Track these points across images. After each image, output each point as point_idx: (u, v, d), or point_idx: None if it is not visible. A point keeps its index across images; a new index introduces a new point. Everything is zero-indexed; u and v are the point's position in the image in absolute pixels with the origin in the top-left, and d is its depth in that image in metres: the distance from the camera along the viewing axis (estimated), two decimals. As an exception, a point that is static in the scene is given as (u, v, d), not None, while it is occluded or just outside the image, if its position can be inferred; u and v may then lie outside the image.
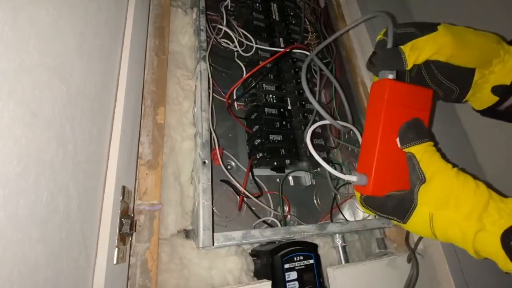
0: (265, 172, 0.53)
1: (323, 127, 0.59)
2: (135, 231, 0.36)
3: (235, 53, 0.57)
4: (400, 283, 0.48)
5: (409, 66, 0.37)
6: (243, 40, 0.56)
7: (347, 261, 0.49)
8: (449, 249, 0.52)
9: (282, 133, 0.51)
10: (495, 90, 0.41)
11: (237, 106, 0.55)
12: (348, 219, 0.57)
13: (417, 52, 0.37)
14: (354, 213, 0.59)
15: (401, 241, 0.54)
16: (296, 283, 0.41)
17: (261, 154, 0.48)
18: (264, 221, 0.48)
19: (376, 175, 0.36)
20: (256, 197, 0.47)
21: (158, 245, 0.38)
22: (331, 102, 0.64)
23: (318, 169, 0.57)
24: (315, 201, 0.56)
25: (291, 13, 0.67)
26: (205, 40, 0.50)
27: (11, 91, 0.19)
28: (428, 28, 0.38)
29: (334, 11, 0.76)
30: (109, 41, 0.36)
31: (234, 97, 0.54)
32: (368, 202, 0.37)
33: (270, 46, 0.57)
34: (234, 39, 0.56)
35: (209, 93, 0.47)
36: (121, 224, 0.32)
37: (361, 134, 0.53)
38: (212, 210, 0.40)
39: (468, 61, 0.39)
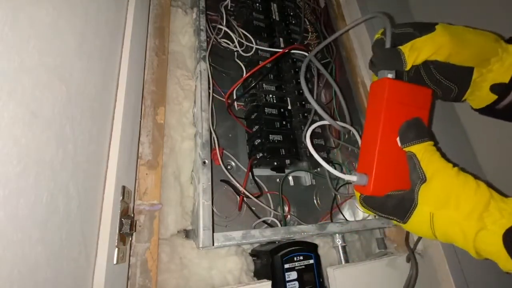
0: (265, 172, 0.53)
1: (322, 127, 0.59)
2: (135, 231, 0.36)
3: (235, 53, 0.57)
4: (400, 283, 0.48)
5: (408, 67, 0.38)
6: (243, 40, 0.56)
7: (347, 261, 0.49)
8: (449, 249, 0.52)
9: (282, 133, 0.51)
10: (494, 88, 0.41)
11: (237, 106, 0.55)
12: (348, 219, 0.57)
13: (416, 52, 0.37)
14: (354, 213, 0.59)
15: (401, 241, 0.54)
16: (296, 283, 0.41)
17: (261, 154, 0.48)
18: (264, 221, 0.48)
19: (377, 174, 0.36)
20: (256, 197, 0.47)
21: (158, 245, 0.38)
22: (331, 102, 0.64)
23: (318, 169, 0.57)
24: (315, 201, 0.56)
25: (291, 13, 0.67)
26: (205, 40, 0.50)
27: (11, 91, 0.19)
28: (426, 28, 0.38)
29: (334, 11, 0.76)
30: (109, 41, 0.36)
31: (234, 97, 0.54)
32: (368, 202, 0.37)
33: (270, 46, 0.57)
34: (234, 39, 0.56)
35: (209, 93, 0.47)
36: (121, 224, 0.32)
37: (360, 134, 0.53)
38: (212, 210, 0.40)
39: (467, 60, 0.40)
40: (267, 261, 0.42)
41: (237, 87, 0.51)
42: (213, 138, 0.45)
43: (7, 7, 0.19)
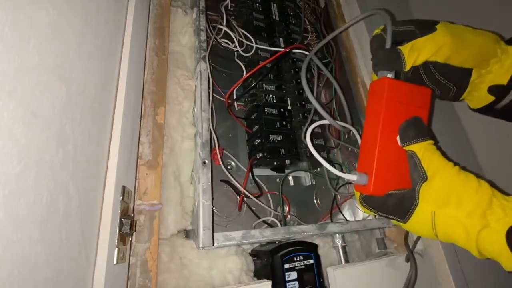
0: (265, 172, 0.53)
1: (322, 127, 0.59)
2: (135, 231, 0.36)
3: (235, 53, 0.57)
4: (400, 283, 0.48)
5: (408, 67, 0.37)
6: (243, 40, 0.56)
7: (347, 261, 0.49)
8: (449, 249, 0.52)
9: (282, 133, 0.51)
10: (491, 90, 0.41)
11: (237, 106, 0.55)
12: (348, 219, 0.57)
13: (416, 53, 0.37)
14: (354, 213, 0.59)
15: (401, 241, 0.54)
16: (296, 283, 0.41)
17: (261, 154, 0.48)
18: (264, 221, 0.48)
19: (377, 174, 0.36)
20: (256, 197, 0.47)
21: (158, 245, 0.38)
22: (331, 102, 0.64)
23: (318, 169, 0.57)
24: (315, 201, 0.56)
25: (291, 13, 0.67)
26: (205, 40, 0.50)
27: (11, 91, 0.19)
28: (428, 27, 0.38)
29: (334, 11, 0.76)
30: (109, 41, 0.36)
31: (234, 97, 0.54)
32: (368, 202, 0.37)
33: (270, 46, 0.57)
34: (234, 39, 0.56)
35: (209, 93, 0.47)
36: (121, 224, 0.32)
37: (360, 134, 0.53)
38: (212, 210, 0.40)
39: (466, 61, 0.39)
40: (267, 261, 0.42)
41: (237, 87, 0.51)
42: (213, 138, 0.45)
43: (7, 7, 0.19)
